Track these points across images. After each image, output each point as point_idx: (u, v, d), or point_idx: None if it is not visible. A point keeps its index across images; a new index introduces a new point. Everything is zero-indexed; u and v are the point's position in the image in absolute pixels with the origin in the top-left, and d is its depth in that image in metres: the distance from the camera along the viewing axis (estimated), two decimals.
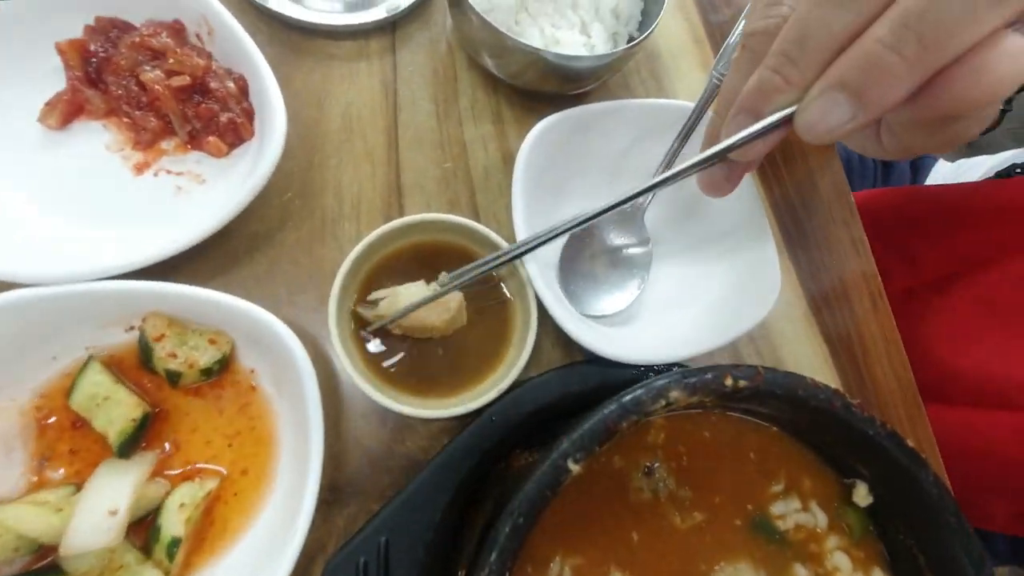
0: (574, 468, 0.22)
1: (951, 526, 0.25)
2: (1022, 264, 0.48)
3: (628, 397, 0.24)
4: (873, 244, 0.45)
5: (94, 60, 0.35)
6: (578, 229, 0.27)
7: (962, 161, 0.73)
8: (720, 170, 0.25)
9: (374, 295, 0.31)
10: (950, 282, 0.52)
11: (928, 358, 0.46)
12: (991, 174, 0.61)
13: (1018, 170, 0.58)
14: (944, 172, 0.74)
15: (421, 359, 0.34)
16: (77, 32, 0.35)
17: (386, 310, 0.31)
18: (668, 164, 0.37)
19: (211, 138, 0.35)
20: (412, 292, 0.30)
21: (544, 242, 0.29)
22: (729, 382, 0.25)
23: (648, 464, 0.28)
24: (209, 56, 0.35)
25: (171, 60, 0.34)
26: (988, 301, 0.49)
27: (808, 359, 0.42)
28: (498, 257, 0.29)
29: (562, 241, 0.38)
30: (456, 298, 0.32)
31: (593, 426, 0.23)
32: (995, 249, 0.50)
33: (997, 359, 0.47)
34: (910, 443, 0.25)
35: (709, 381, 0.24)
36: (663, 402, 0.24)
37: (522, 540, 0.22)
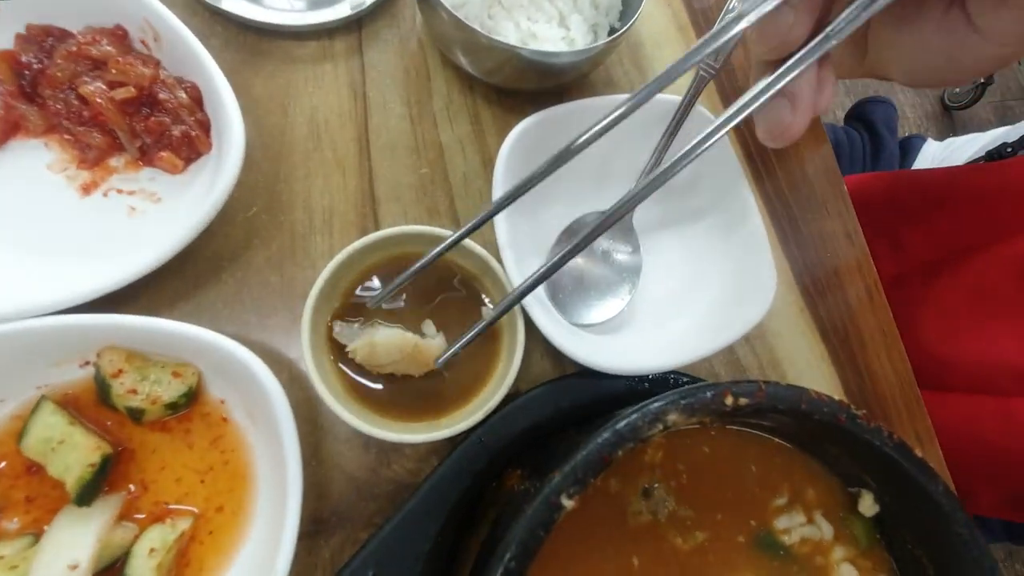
0: (568, 504, 0.21)
1: (962, 538, 0.24)
2: (1011, 248, 0.47)
3: (622, 423, 0.22)
4: (862, 231, 0.44)
5: (27, 72, 0.31)
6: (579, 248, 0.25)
7: (951, 140, 0.72)
8: (779, 106, 0.22)
9: (350, 348, 0.30)
10: (939, 268, 0.52)
11: (917, 344, 0.46)
12: (981, 153, 0.60)
13: (1009, 149, 0.57)
14: (933, 152, 0.73)
15: (406, 378, 0.32)
16: (7, 43, 0.32)
17: (365, 361, 0.29)
18: (657, 161, 0.35)
19: (164, 153, 0.33)
20: (389, 340, 0.29)
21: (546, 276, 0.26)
22: (729, 400, 0.23)
23: (647, 485, 0.27)
24: (157, 64, 0.33)
25: (113, 70, 0.31)
26: (977, 286, 0.48)
27: (804, 355, 0.41)
28: (490, 319, 0.27)
29: (548, 249, 0.37)
30: (439, 347, 0.31)
31: (586, 457, 0.22)
32: (984, 233, 0.49)
33: (986, 344, 0.46)
34: (919, 453, 0.24)
35: (708, 401, 0.23)
36: (660, 426, 0.22)
37: None
